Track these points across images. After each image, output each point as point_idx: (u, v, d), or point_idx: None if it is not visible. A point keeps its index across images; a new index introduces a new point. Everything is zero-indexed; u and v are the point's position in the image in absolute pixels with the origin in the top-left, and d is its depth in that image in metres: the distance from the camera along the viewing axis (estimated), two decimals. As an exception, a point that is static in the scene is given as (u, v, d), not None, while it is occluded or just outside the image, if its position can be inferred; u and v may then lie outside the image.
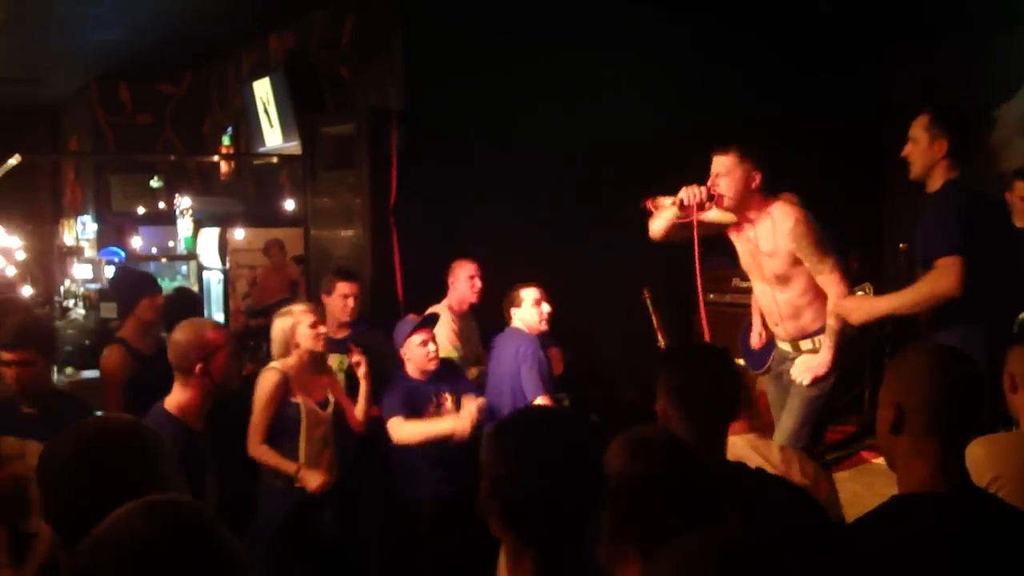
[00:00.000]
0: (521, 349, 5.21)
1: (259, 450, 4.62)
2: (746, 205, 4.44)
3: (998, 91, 8.05)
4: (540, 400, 5.06)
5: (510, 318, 5.43)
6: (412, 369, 5.10)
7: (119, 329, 5.44)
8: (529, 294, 5.40)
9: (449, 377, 5.22)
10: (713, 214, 4.58)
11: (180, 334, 3.68)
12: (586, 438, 1.90)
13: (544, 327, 5.41)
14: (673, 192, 4.51)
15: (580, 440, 1.88)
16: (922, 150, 4.09)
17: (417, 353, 5.05)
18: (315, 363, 4.86)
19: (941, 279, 3.90)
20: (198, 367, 3.64)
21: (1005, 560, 2.03)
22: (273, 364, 4.74)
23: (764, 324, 5.08)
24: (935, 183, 4.10)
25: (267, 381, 4.66)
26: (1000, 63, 7.92)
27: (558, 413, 2.07)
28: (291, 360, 4.75)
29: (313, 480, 4.57)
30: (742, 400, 2.77)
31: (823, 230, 4.47)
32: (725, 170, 4.38)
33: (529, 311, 5.37)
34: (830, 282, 4.41)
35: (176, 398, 3.64)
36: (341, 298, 5.43)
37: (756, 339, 5.51)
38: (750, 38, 7.50)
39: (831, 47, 7.93)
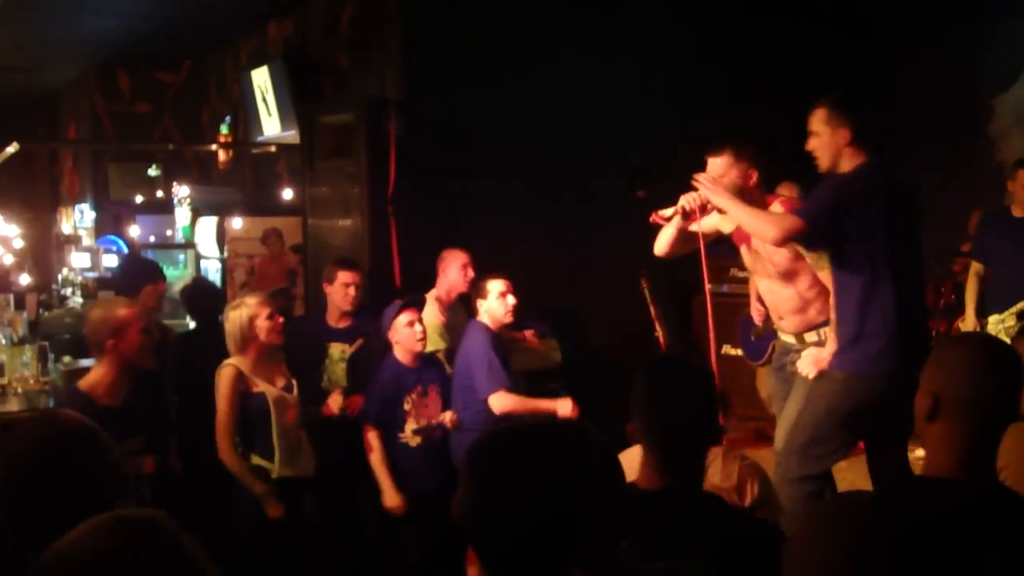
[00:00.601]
0: (475, 348, 5.19)
1: (229, 456, 4.58)
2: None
3: (995, 82, 8.06)
4: (496, 397, 5.02)
5: (476, 310, 5.42)
6: (400, 352, 5.03)
7: None
8: (495, 286, 5.32)
9: (435, 369, 5.23)
10: (713, 220, 4.60)
11: (93, 312, 3.79)
12: (573, 465, 1.66)
13: (509, 319, 5.38)
14: (670, 190, 4.53)
15: (565, 469, 1.65)
16: (825, 142, 4.12)
17: (405, 334, 4.98)
18: (273, 354, 4.82)
19: (775, 224, 4.01)
20: (109, 343, 3.77)
21: (1008, 553, 2.05)
22: (228, 360, 4.67)
23: (763, 305, 5.10)
24: (843, 170, 4.12)
25: (224, 377, 4.61)
26: (997, 54, 7.92)
27: (541, 435, 1.74)
28: (249, 354, 4.68)
29: (275, 509, 4.56)
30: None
31: None
32: (721, 171, 4.38)
33: (494, 303, 5.30)
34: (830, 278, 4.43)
35: (90, 375, 3.78)
36: (343, 287, 5.41)
37: (756, 317, 5.52)
38: (747, 32, 7.49)
39: (828, 40, 7.92)
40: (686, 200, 4.44)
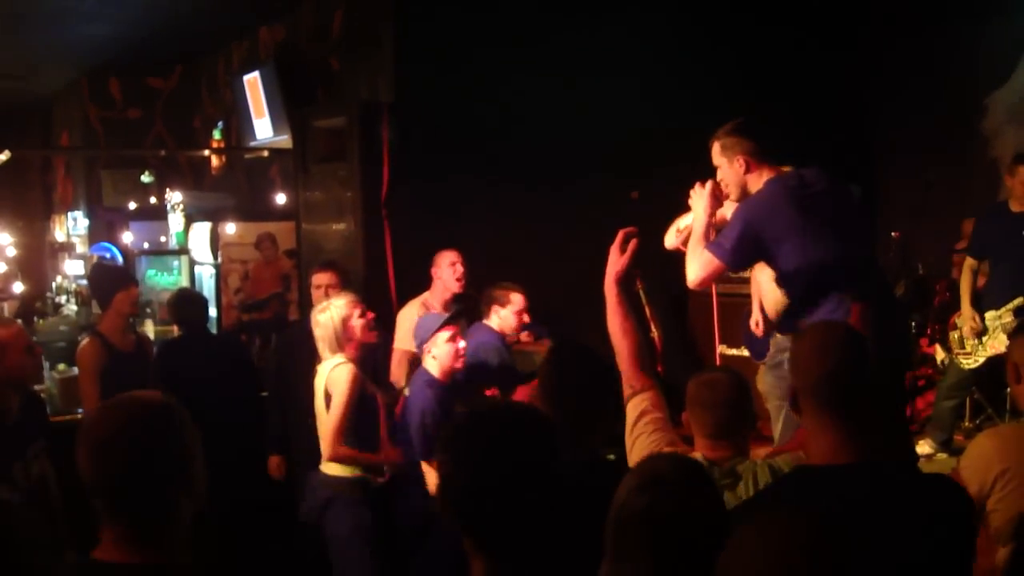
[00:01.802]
0: (480, 349, 5.17)
1: (342, 453, 4.45)
2: (745, 192, 4.38)
3: (989, 79, 8.05)
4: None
5: (488, 313, 5.37)
6: (435, 368, 4.85)
7: (99, 323, 5.45)
8: (518, 300, 5.37)
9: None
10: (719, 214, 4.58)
11: None
12: (537, 439, 1.82)
13: (515, 336, 5.39)
14: (662, 190, 4.51)
15: (530, 442, 1.81)
16: (727, 173, 4.14)
17: (445, 350, 4.83)
18: (366, 353, 4.74)
19: (696, 267, 4.04)
20: None
21: (899, 527, 2.07)
22: (340, 360, 4.53)
23: (762, 312, 5.08)
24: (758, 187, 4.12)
25: (346, 378, 4.45)
26: (991, 51, 7.92)
27: (511, 412, 1.91)
28: (350, 352, 4.57)
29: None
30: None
31: None
32: (716, 161, 4.36)
33: (511, 317, 5.35)
34: None
35: None
36: (315, 289, 5.38)
37: (755, 326, 5.50)
38: (741, 28, 7.48)
39: (824, 36, 7.92)
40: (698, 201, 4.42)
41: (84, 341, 5.37)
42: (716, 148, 4.15)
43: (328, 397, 4.49)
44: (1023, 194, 6.19)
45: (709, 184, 4.17)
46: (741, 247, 3.96)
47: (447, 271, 5.80)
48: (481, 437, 1.81)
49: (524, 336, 6.12)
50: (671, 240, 4.50)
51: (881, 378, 2.34)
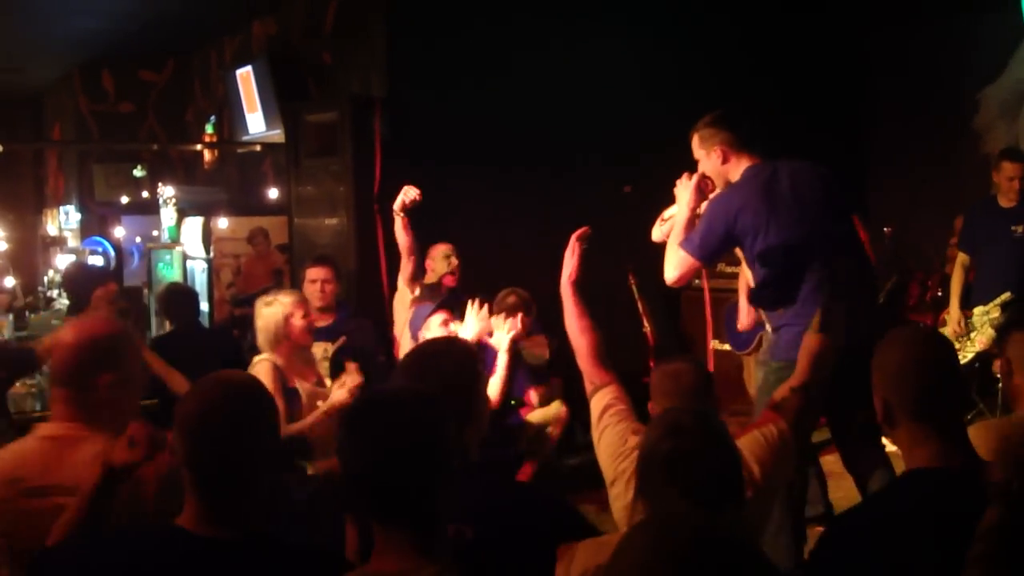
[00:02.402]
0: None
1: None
2: (727, 183, 4.39)
3: (981, 75, 8.07)
4: None
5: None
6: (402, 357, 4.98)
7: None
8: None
9: None
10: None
11: None
12: (423, 417, 1.96)
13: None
14: (656, 184, 4.52)
15: (417, 420, 1.94)
16: (708, 166, 4.18)
17: (439, 335, 4.74)
18: (303, 351, 4.77)
19: (672, 266, 4.07)
20: None
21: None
22: (260, 356, 4.59)
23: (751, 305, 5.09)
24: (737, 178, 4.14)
25: (261, 372, 4.46)
26: (983, 47, 7.93)
27: (400, 395, 2.08)
28: (281, 351, 4.59)
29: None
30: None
31: None
32: (696, 156, 4.37)
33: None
34: None
35: None
36: (310, 284, 5.38)
37: (745, 320, 5.53)
38: (734, 20, 7.48)
39: (816, 30, 7.92)
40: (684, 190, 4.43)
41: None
42: (695, 140, 4.19)
43: None
44: (1009, 189, 6.22)
45: (695, 177, 4.19)
46: (710, 241, 4.00)
47: (442, 263, 5.80)
48: (378, 419, 1.95)
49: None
50: (657, 233, 4.51)
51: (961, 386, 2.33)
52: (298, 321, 4.61)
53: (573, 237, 3.48)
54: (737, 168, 4.12)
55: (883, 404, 2.25)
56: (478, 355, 2.73)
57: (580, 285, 3.36)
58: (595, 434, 3.04)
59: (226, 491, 2.02)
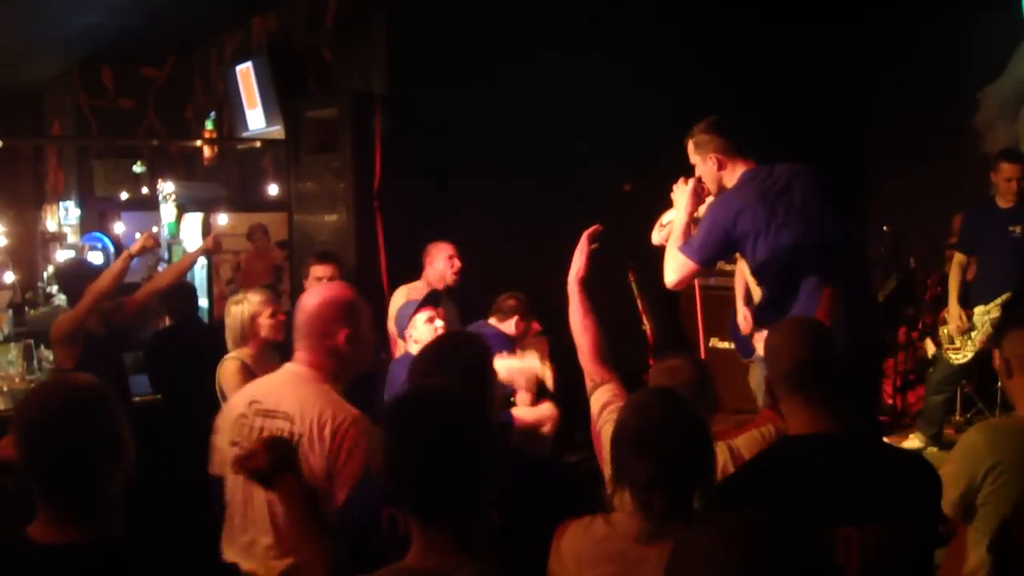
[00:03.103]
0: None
1: None
2: (722, 188, 4.41)
3: (981, 75, 8.07)
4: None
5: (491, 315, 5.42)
6: (417, 350, 4.92)
7: None
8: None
9: None
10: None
11: None
12: (465, 413, 1.99)
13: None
14: (655, 183, 4.52)
15: (460, 415, 1.97)
16: (703, 172, 4.18)
17: (424, 331, 4.83)
18: (272, 351, 4.77)
19: (671, 269, 4.10)
20: None
21: (873, 482, 2.39)
22: (229, 355, 4.63)
23: (747, 306, 5.10)
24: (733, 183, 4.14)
25: (229, 371, 4.55)
26: (983, 47, 7.93)
27: (443, 391, 2.08)
28: (250, 348, 4.66)
29: None
30: None
31: None
32: (692, 161, 4.37)
33: (509, 324, 5.41)
34: None
35: None
36: (315, 281, 5.38)
37: (743, 323, 5.55)
38: (735, 21, 7.48)
39: (817, 30, 7.92)
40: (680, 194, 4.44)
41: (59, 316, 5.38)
42: (691, 146, 4.18)
43: (222, 395, 4.54)
44: (1007, 190, 6.24)
45: (692, 182, 4.19)
46: (710, 245, 4.01)
47: (443, 263, 5.81)
48: (421, 414, 1.96)
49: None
50: (656, 237, 4.51)
51: (845, 364, 2.68)
52: (265, 320, 4.67)
53: (584, 235, 3.51)
54: (732, 174, 4.12)
55: (766, 382, 2.67)
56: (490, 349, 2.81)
57: (587, 283, 3.35)
58: (595, 429, 3.07)
59: (68, 496, 1.99)
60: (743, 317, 5.49)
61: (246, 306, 4.68)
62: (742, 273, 5.69)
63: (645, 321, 6.10)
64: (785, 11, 7.65)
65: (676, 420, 2.24)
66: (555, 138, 6.71)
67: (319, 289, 3.52)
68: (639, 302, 6.05)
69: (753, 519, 1.49)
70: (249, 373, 4.55)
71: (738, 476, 2.60)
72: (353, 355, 3.08)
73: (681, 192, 4.19)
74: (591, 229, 3.53)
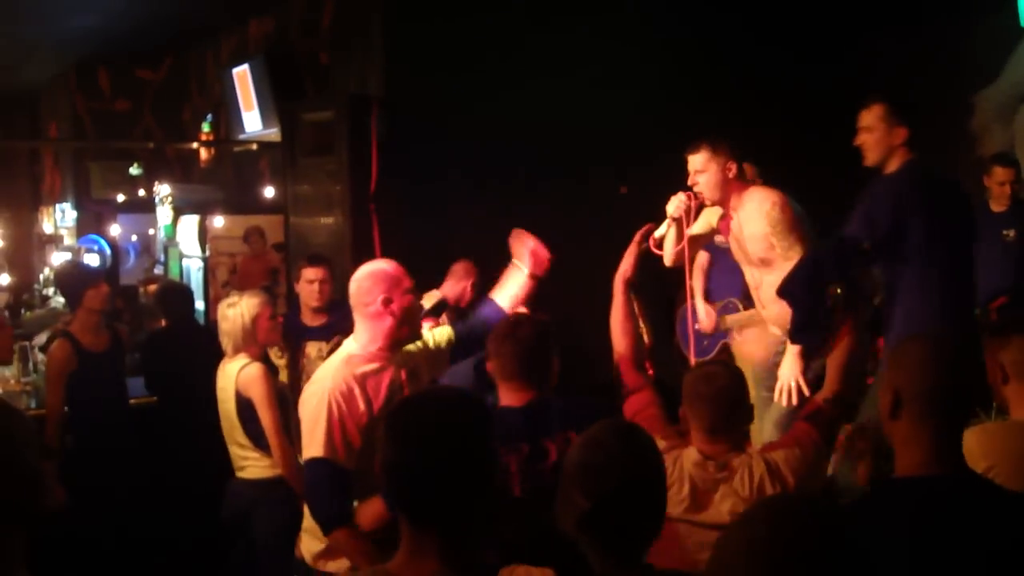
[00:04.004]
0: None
1: (291, 459, 4.36)
2: (727, 196, 4.48)
3: (977, 78, 8.07)
4: None
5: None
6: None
7: (69, 323, 5.44)
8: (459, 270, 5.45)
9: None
10: (704, 221, 4.65)
11: None
12: (468, 422, 1.94)
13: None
14: (653, 185, 4.55)
15: (461, 422, 1.93)
16: (878, 138, 4.20)
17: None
18: (264, 353, 4.79)
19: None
20: None
21: (999, 540, 2.08)
22: (245, 359, 4.56)
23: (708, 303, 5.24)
24: (892, 166, 4.17)
25: (259, 378, 4.47)
26: (979, 50, 7.94)
27: (445, 397, 2.05)
28: (250, 352, 4.60)
29: None
30: None
31: (803, 217, 4.51)
32: (702, 167, 4.41)
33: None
34: None
35: None
36: (307, 284, 5.37)
37: (705, 320, 5.57)
38: (728, 28, 7.48)
39: (811, 32, 7.92)
40: (674, 207, 4.48)
41: (54, 344, 5.36)
42: (879, 111, 4.29)
43: (240, 399, 4.48)
44: (1000, 194, 6.27)
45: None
46: (887, 221, 4.08)
47: (459, 288, 5.70)
48: (420, 420, 1.92)
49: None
50: (668, 260, 4.56)
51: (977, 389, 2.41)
52: (265, 322, 4.62)
53: (637, 235, 3.59)
54: (899, 158, 4.25)
55: (892, 395, 2.24)
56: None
57: (633, 285, 3.35)
58: None
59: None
60: (705, 314, 5.56)
61: (246, 308, 4.60)
62: (701, 268, 5.73)
63: (642, 325, 6.10)
64: (779, 13, 7.65)
65: (623, 460, 2.13)
66: (552, 140, 6.70)
67: (369, 264, 3.76)
68: (635, 304, 6.05)
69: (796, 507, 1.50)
70: (272, 374, 4.54)
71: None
72: (402, 322, 3.42)
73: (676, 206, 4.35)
74: (643, 229, 3.58)
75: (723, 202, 4.54)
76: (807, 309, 4.00)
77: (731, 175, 4.45)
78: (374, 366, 3.34)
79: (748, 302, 5.12)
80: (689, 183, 4.50)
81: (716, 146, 4.40)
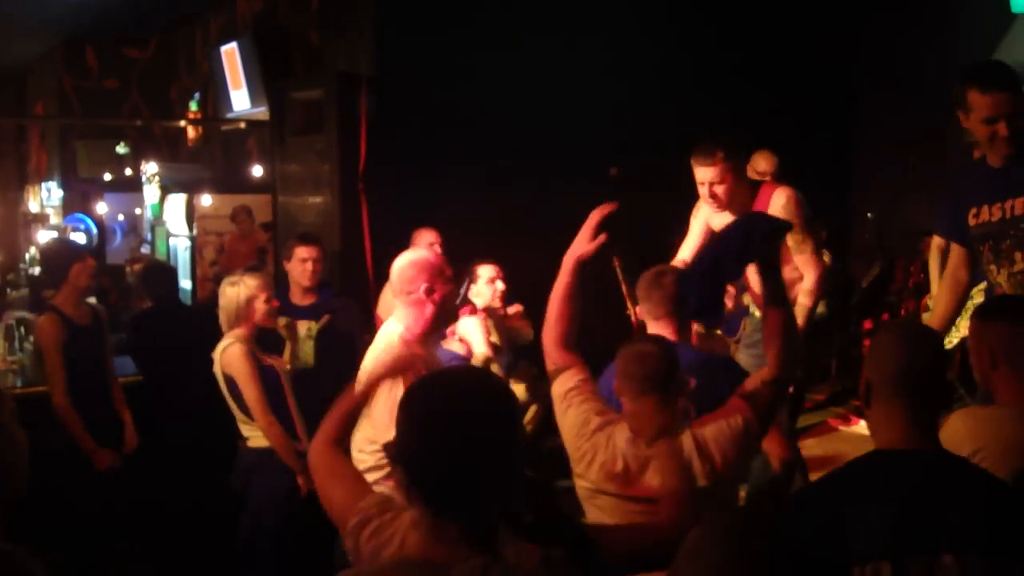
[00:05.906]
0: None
1: (277, 432, 4.44)
2: (742, 198, 4.40)
3: (968, 61, 8.06)
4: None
5: (467, 292, 5.38)
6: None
7: (53, 297, 5.39)
8: (485, 271, 5.33)
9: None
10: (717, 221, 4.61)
11: None
12: (489, 405, 1.84)
13: (498, 304, 5.37)
14: (642, 167, 4.53)
15: (481, 406, 1.83)
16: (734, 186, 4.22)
17: (487, 291, 5.17)
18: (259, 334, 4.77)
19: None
20: None
21: (972, 511, 2.14)
22: (230, 339, 4.54)
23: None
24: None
25: (238, 356, 4.47)
26: (971, 34, 7.94)
27: (467, 375, 1.98)
28: (244, 330, 4.58)
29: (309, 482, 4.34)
30: None
31: (809, 210, 4.53)
32: (718, 179, 4.29)
33: (484, 288, 5.33)
34: (809, 263, 4.50)
35: None
36: (300, 262, 5.35)
37: (728, 301, 5.53)
38: (717, 13, 7.47)
39: (803, 19, 7.92)
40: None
41: (41, 317, 5.31)
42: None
43: (228, 380, 4.51)
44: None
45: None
46: None
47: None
48: (436, 399, 1.83)
49: (512, 310, 6.10)
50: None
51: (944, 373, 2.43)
52: (261, 305, 4.60)
53: (597, 214, 3.23)
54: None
55: (864, 384, 2.33)
56: None
57: (584, 265, 3.21)
58: (558, 412, 3.04)
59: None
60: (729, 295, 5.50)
61: (242, 289, 4.58)
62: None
63: (629, 306, 6.10)
64: (774, 5, 7.65)
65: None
66: (542, 121, 6.69)
67: (410, 253, 3.76)
68: (623, 287, 6.05)
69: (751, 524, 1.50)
70: (255, 357, 4.54)
71: (823, 487, 2.38)
72: (438, 309, 3.53)
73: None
74: (604, 210, 3.23)
75: (737, 205, 4.43)
76: (707, 292, 4.01)
77: (746, 178, 4.39)
78: (419, 348, 3.50)
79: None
80: (705, 194, 4.36)
81: (730, 154, 4.27)
